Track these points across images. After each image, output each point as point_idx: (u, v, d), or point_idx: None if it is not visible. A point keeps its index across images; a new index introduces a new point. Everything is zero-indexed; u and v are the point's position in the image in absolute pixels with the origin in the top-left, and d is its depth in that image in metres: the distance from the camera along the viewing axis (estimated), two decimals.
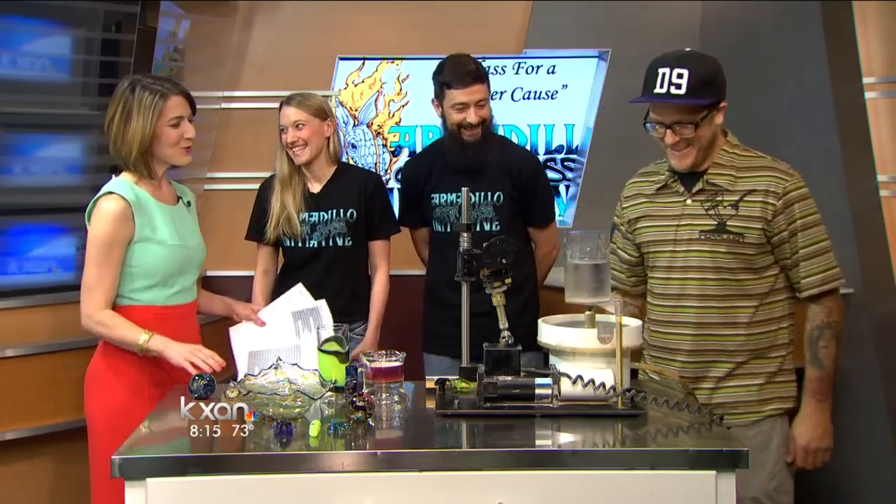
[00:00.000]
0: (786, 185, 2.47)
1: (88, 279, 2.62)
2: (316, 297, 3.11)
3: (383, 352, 2.33)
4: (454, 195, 3.28)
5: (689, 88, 2.41)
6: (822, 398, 2.51)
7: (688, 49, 2.57)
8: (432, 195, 3.32)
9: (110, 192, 2.64)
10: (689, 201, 2.55)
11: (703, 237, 2.51)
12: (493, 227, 3.26)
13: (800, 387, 2.57)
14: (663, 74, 2.43)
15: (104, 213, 2.61)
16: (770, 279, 2.52)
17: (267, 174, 3.37)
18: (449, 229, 3.30)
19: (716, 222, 2.50)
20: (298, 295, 3.02)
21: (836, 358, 2.51)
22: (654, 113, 2.49)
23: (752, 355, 2.53)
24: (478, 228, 3.23)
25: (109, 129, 2.67)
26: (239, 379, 2.31)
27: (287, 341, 2.86)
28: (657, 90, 2.44)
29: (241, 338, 2.93)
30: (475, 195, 3.26)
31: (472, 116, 3.20)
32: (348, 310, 3.27)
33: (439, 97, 3.27)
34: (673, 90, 2.42)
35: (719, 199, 2.51)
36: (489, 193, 3.27)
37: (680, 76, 2.42)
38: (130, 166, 2.68)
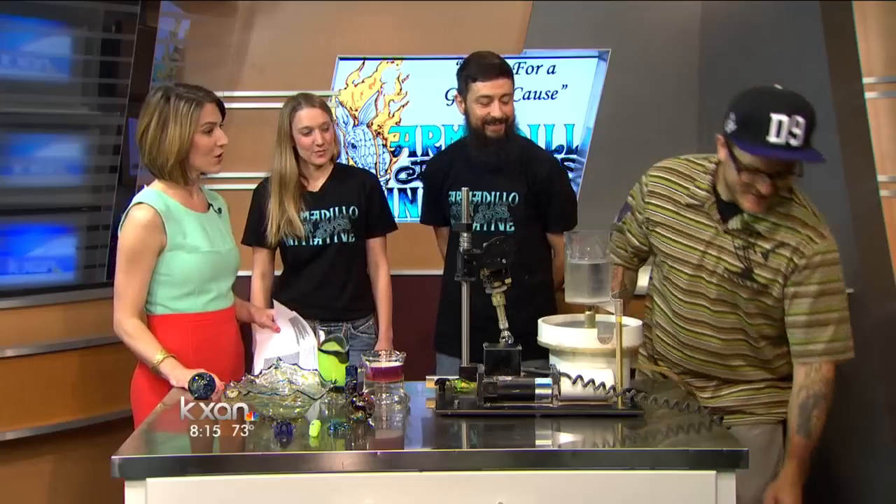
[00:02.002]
0: (816, 247, 2.37)
1: (118, 286, 2.66)
2: (319, 295, 3.17)
3: (383, 352, 2.34)
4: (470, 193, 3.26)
5: (807, 138, 2.25)
6: (806, 467, 2.42)
7: (784, 88, 2.34)
8: (450, 192, 3.31)
9: (140, 203, 2.66)
10: (722, 232, 2.44)
11: (727, 275, 2.43)
12: (507, 228, 3.22)
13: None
14: (780, 122, 2.22)
15: (133, 221, 2.64)
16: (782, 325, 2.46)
17: (267, 174, 3.36)
18: None
19: (743, 266, 2.40)
20: (282, 308, 2.98)
21: (821, 431, 2.43)
22: (754, 160, 2.28)
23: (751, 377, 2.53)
24: (492, 228, 3.22)
25: (143, 139, 2.69)
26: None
27: (290, 349, 2.86)
28: (773, 139, 2.23)
29: (261, 343, 2.95)
30: (491, 194, 3.24)
31: (496, 111, 3.16)
32: (353, 306, 3.29)
33: (463, 92, 3.23)
34: (792, 142, 2.23)
35: (752, 241, 2.40)
36: (505, 193, 3.23)
37: (797, 125, 2.23)
38: (166, 175, 2.70)
